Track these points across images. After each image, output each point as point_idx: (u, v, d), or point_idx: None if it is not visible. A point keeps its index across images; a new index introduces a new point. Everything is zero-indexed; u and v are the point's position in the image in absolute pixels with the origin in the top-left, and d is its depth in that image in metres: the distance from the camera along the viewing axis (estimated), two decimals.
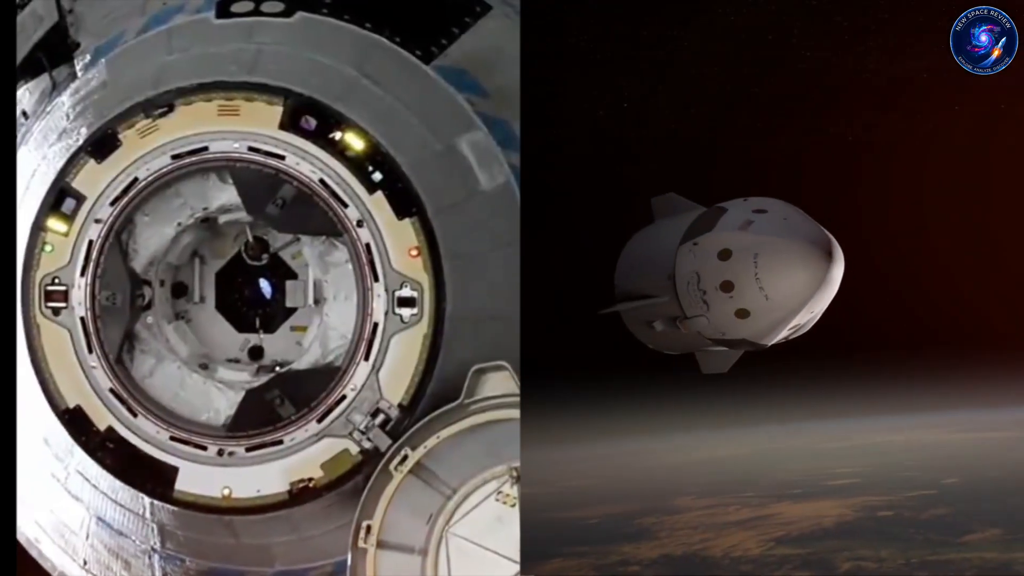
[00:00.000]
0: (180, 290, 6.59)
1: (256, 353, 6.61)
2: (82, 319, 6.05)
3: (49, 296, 6.06)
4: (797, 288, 6.32)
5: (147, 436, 6.03)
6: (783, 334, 6.81)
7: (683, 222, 7.12)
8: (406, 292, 5.84)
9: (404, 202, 5.84)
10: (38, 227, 6.06)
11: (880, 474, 21.94)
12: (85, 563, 6.44)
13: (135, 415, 6.04)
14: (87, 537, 6.37)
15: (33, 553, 6.62)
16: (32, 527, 6.58)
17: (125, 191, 6.02)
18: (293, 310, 6.58)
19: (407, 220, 5.84)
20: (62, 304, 6.06)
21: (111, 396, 6.05)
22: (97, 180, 6.04)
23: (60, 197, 6.05)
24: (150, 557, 6.26)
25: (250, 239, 6.52)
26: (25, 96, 6.59)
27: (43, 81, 6.56)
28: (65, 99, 6.36)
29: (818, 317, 6.82)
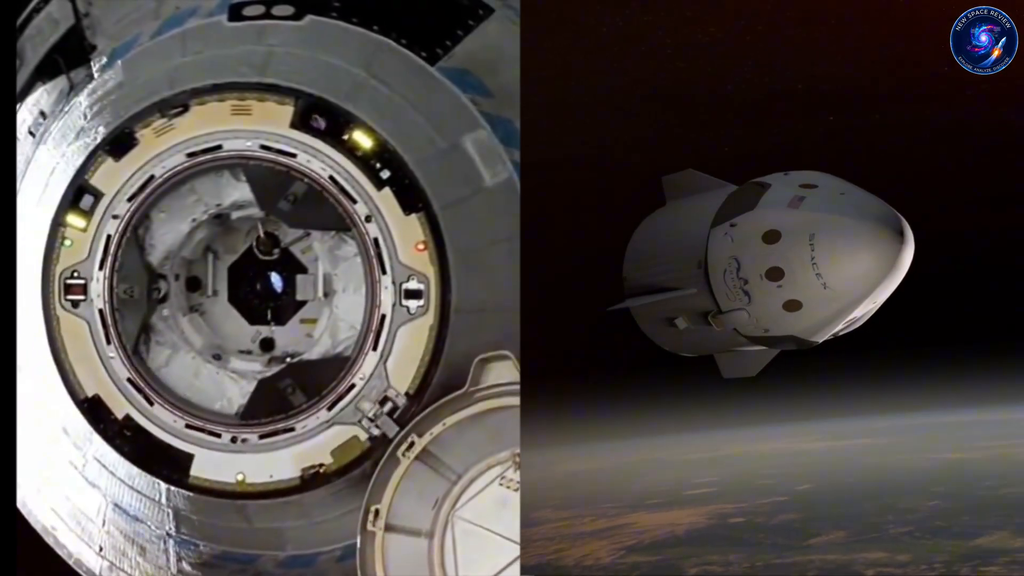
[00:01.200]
0: (194, 284, 6.64)
1: (267, 345, 6.66)
2: (100, 311, 6.16)
3: (68, 289, 6.16)
4: (862, 274, 5.45)
5: (163, 424, 6.14)
6: (836, 329, 5.92)
7: (711, 201, 6.19)
8: (413, 285, 5.95)
9: (411, 198, 5.95)
10: (57, 223, 6.16)
11: (738, 483, 21.80)
12: (101, 549, 6.54)
13: (151, 404, 6.16)
14: (103, 523, 6.47)
15: (49, 540, 6.70)
16: (48, 515, 6.67)
17: (142, 188, 6.11)
18: (303, 303, 6.62)
19: (414, 215, 5.95)
20: (81, 297, 6.17)
21: (128, 385, 6.16)
22: (114, 177, 6.14)
23: (79, 194, 6.14)
24: (165, 542, 6.37)
25: (262, 234, 6.57)
26: (43, 96, 6.64)
27: (60, 82, 6.61)
28: (82, 99, 6.44)
29: (876, 309, 5.90)
